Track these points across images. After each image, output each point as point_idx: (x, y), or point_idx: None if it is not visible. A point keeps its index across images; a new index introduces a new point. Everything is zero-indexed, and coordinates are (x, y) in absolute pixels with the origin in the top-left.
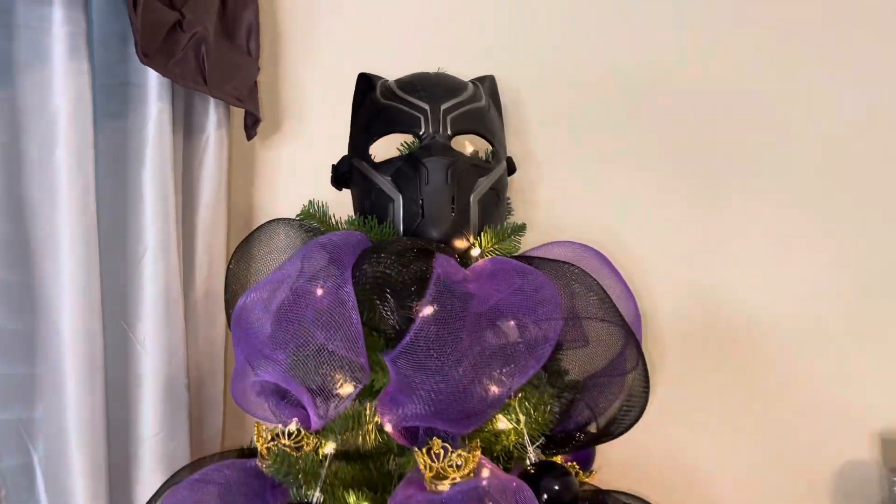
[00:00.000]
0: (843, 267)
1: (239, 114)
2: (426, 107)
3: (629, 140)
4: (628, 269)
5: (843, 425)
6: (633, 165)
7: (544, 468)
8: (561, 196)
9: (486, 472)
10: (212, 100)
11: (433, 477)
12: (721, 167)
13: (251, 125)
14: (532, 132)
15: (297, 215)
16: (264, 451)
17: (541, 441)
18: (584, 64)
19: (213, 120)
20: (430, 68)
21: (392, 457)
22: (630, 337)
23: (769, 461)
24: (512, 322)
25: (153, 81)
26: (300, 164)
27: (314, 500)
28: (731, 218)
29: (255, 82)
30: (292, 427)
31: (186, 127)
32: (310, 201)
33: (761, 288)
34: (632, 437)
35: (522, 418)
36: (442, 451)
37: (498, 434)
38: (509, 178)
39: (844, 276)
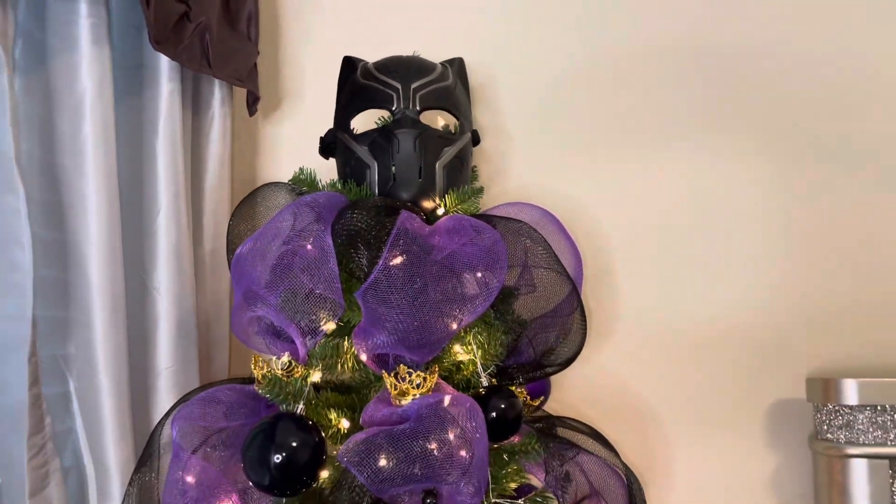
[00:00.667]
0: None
1: (242, 92)
2: (398, 86)
3: (592, 117)
4: (584, 228)
5: (775, 367)
6: (594, 141)
7: (493, 390)
8: (528, 166)
9: (442, 391)
10: (216, 80)
11: (398, 395)
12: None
13: (252, 102)
14: (504, 108)
15: (289, 180)
16: (260, 378)
17: (492, 369)
18: (552, 48)
19: (218, 98)
20: (411, 51)
21: (372, 388)
22: (571, 284)
23: (711, 398)
24: (465, 269)
25: (164, 65)
26: (296, 137)
27: (298, 410)
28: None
29: (255, 64)
30: (284, 359)
31: (195, 104)
32: (300, 168)
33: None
34: (584, 374)
35: (477, 351)
36: (406, 375)
37: (458, 365)
38: (479, 149)
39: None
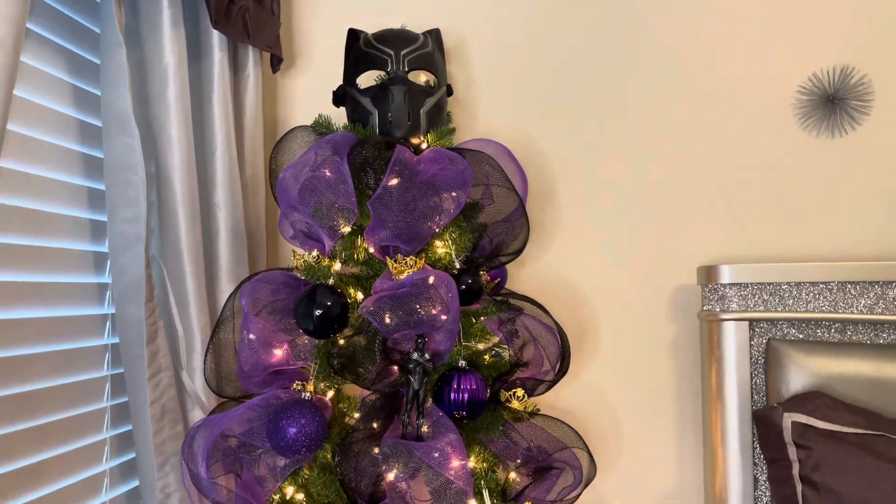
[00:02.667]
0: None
1: (267, 55)
2: (392, 52)
3: (544, 72)
4: (531, 156)
5: (674, 259)
6: (544, 91)
7: (463, 271)
8: (494, 111)
9: (428, 270)
10: (250, 47)
11: (397, 273)
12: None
13: (276, 63)
14: (475, 68)
15: (311, 124)
16: (299, 265)
17: (462, 258)
18: (512, 16)
19: (251, 61)
20: (400, 19)
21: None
22: (519, 199)
23: (628, 283)
24: (443, 187)
25: (215, 38)
26: (306, 88)
27: (331, 281)
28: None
29: (278, 34)
30: (314, 253)
31: (234, 66)
32: (319, 115)
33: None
34: (534, 271)
35: (452, 245)
36: (402, 259)
37: (439, 258)
38: (454, 98)
39: None
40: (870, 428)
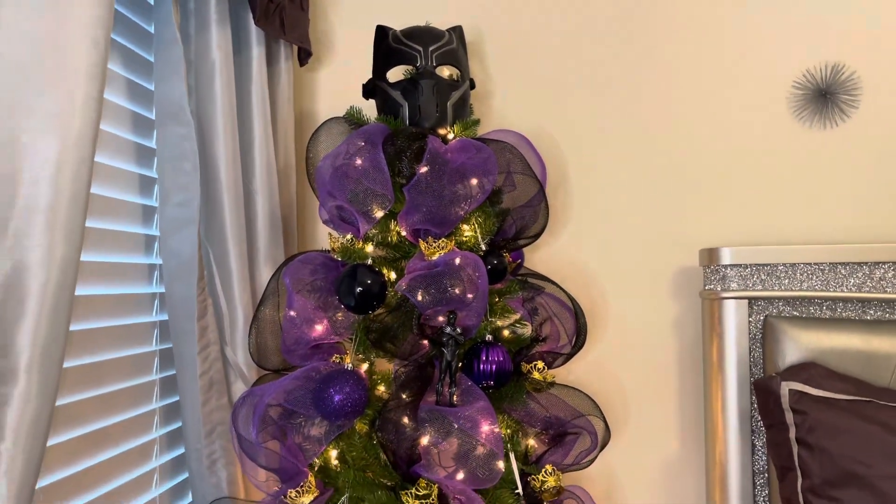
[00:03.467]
0: None
1: (295, 50)
2: (420, 48)
3: (554, 66)
4: (547, 146)
5: (677, 242)
6: (556, 84)
7: (488, 252)
8: (508, 103)
9: (458, 251)
10: (282, 42)
11: (429, 254)
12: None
13: (304, 57)
14: (491, 63)
15: (343, 115)
16: (336, 247)
17: (487, 240)
18: (525, 14)
19: (283, 55)
20: (421, 14)
21: (403, 261)
22: (539, 185)
23: (634, 265)
24: (469, 174)
25: (254, 35)
26: (329, 79)
27: (368, 261)
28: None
29: (307, 30)
30: (348, 236)
31: (269, 59)
32: (351, 106)
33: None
34: (549, 251)
35: (478, 228)
36: (433, 241)
37: (465, 241)
38: (472, 92)
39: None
40: (859, 395)
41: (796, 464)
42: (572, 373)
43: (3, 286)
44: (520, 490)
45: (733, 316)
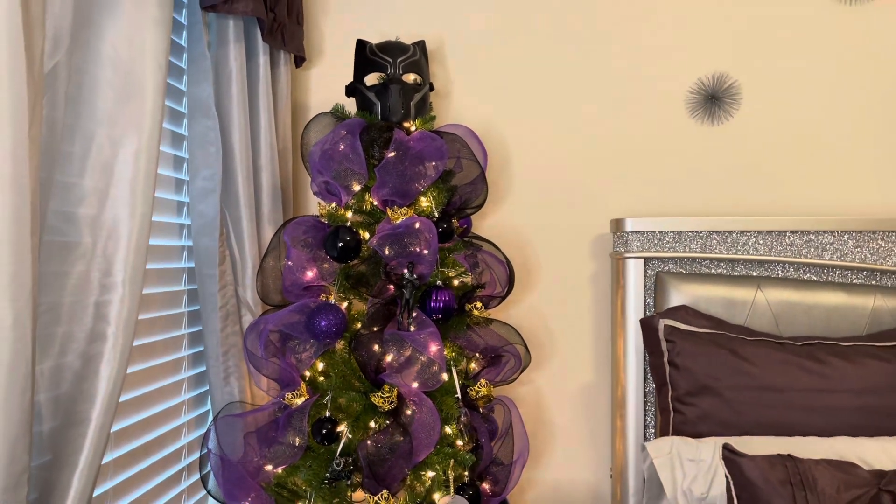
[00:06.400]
0: None
1: (292, 55)
2: (390, 60)
3: (503, 69)
4: (491, 136)
5: (594, 212)
6: (503, 84)
7: (440, 218)
8: (464, 100)
9: (415, 217)
10: (282, 52)
11: (394, 219)
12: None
13: (299, 62)
14: (450, 67)
15: (330, 111)
16: (323, 213)
17: (440, 209)
18: (479, 24)
19: (283, 60)
20: (397, 30)
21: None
22: (480, 168)
23: (561, 231)
24: (426, 159)
25: (260, 46)
26: (318, 79)
27: (348, 224)
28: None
29: (302, 41)
30: (333, 205)
31: (272, 64)
32: (336, 104)
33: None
34: (494, 220)
35: (432, 200)
36: (398, 209)
37: (423, 210)
38: (433, 91)
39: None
40: (715, 329)
41: (668, 380)
42: (511, 316)
43: (107, 231)
44: (459, 396)
45: (633, 272)
